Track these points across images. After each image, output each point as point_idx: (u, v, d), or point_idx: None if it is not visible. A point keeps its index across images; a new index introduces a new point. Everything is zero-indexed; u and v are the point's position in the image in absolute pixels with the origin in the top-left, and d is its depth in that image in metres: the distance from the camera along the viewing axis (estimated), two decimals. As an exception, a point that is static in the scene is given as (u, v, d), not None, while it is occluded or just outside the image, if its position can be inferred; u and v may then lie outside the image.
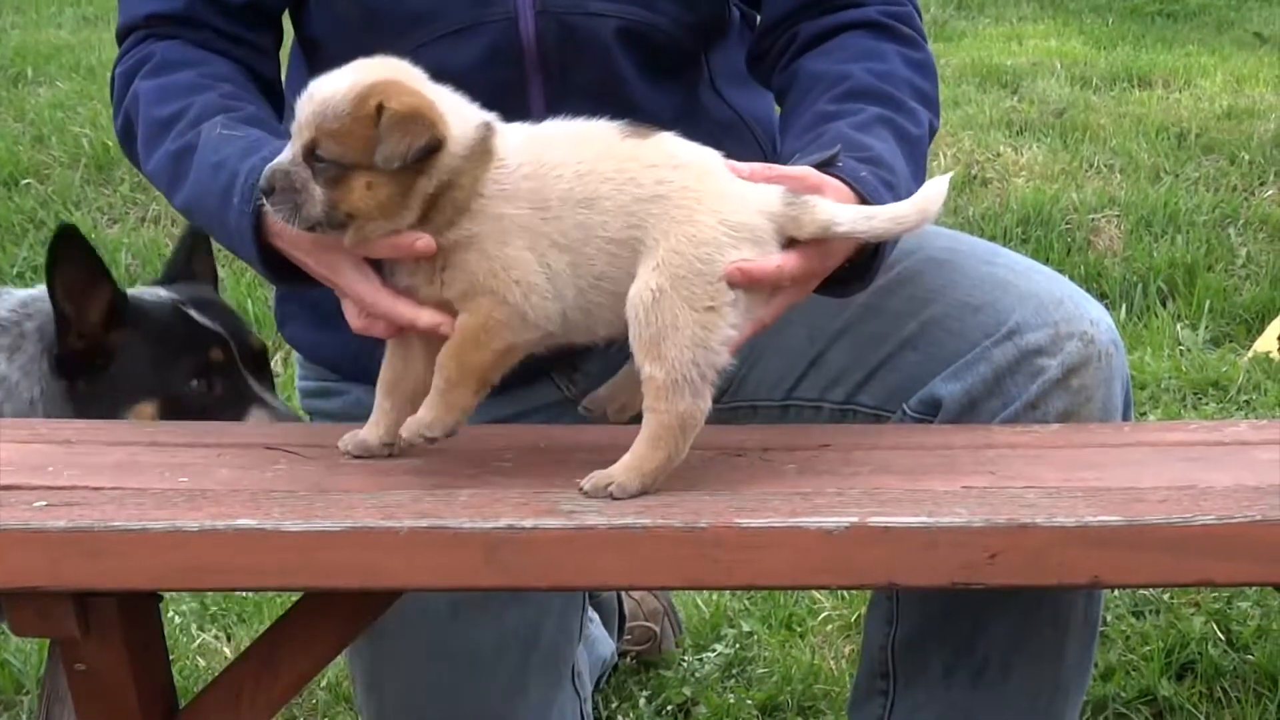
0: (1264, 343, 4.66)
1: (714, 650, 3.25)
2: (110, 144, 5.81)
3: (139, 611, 1.93)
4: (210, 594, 3.30)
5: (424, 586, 1.86)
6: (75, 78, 6.79)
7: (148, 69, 2.24)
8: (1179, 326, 4.87)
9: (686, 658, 3.24)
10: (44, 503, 1.81)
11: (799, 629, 3.28)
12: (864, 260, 2.02)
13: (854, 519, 1.72)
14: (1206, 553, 1.72)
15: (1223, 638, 3.15)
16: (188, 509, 1.79)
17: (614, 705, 3.11)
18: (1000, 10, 8.76)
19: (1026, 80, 6.88)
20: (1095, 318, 2.21)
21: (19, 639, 3.10)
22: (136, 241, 5.41)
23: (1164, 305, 5.04)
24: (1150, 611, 3.27)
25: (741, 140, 2.36)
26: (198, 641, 3.27)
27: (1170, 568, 1.75)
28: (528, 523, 1.74)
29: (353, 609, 1.97)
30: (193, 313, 2.49)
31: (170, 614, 3.31)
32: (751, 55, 2.40)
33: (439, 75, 1.93)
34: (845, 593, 3.31)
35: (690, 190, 1.86)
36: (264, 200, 1.90)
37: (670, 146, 1.91)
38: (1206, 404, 4.32)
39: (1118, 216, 5.51)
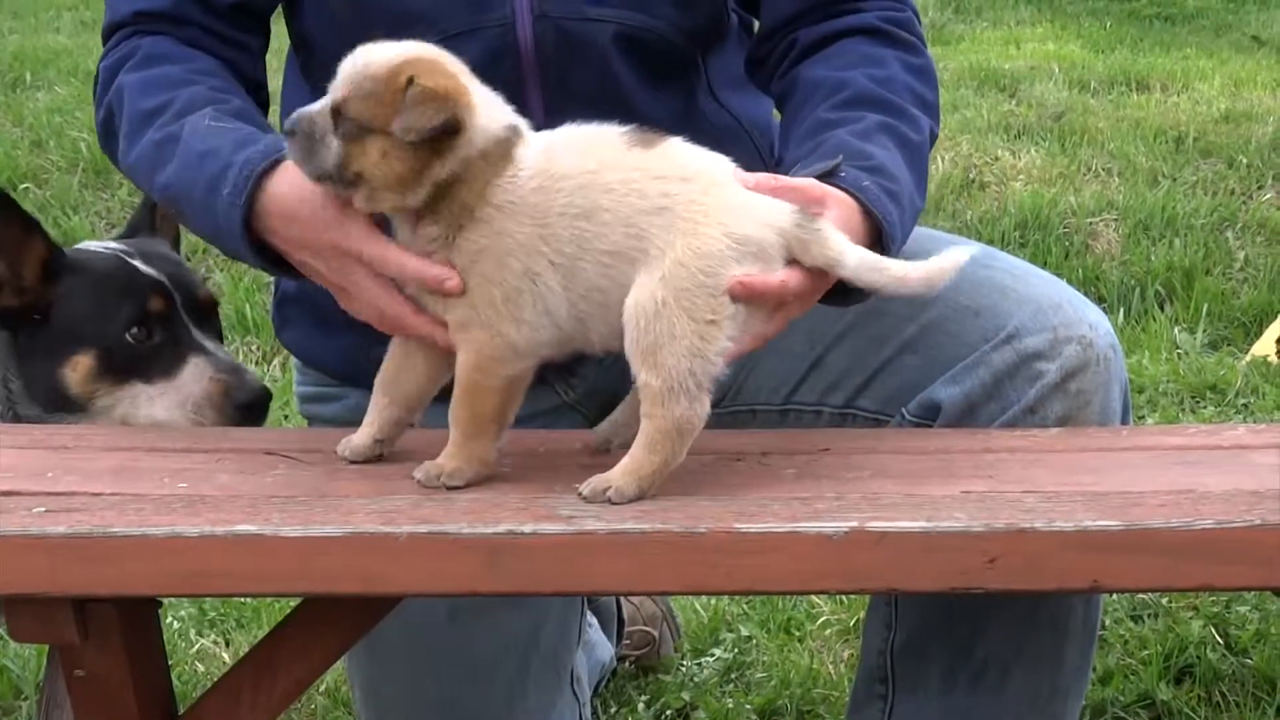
0: (1262, 346, 4.66)
1: (712, 655, 3.25)
2: (109, 149, 5.81)
3: (138, 617, 1.93)
4: (209, 599, 3.29)
5: (423, 592, 1.86)
6: (73, 82, 6.79)
7: (133, 63, 2.24)
8: (1177, 330, 4.88)
9: (685, 662, 3.24)
10: (43, 509, 1.81)
11: (797, 633, 3.28)
12: None
13: (853, 524, 1.73)
14: (1205, 557, 1.73)
15: (1221, 642, 3.15)
16: (187, 514, 1.79)
17: (613, 710, 3.11)
18: (998, 14, 8.77)
19: (1024, 84, 6.88)
20: (1093, 322, 2.21)
21: (18, 644, 3.10)
22: (135, 246, 5.41)
23: (1162, 309, 5.04)
24: (1149, 615, 3.27)
25: (740, 145, 2.36)
26: (196, 647, 3.26)
27: (1169, 572, 1.75)
28: (527, 528, 1.74)
29: (352, 615, 1.97)
30: (138, 263, 2.48)
31: (169, 619, 3.31)
32: (750, 61, 2.40)
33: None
34: (844, 597, 3.31)
35: (696, 203, 1.85)
36: (285, 141, 1.92)
37: (679, 156, 1.90)
38: (1204, 408, 4.33)
39: (1116, 220, 5.51)
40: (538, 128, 1.95)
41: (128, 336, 2.42)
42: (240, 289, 5.06)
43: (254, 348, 4.83)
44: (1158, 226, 5.45)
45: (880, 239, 2.01)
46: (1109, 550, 1.72)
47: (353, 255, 1.96)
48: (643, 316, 1.83)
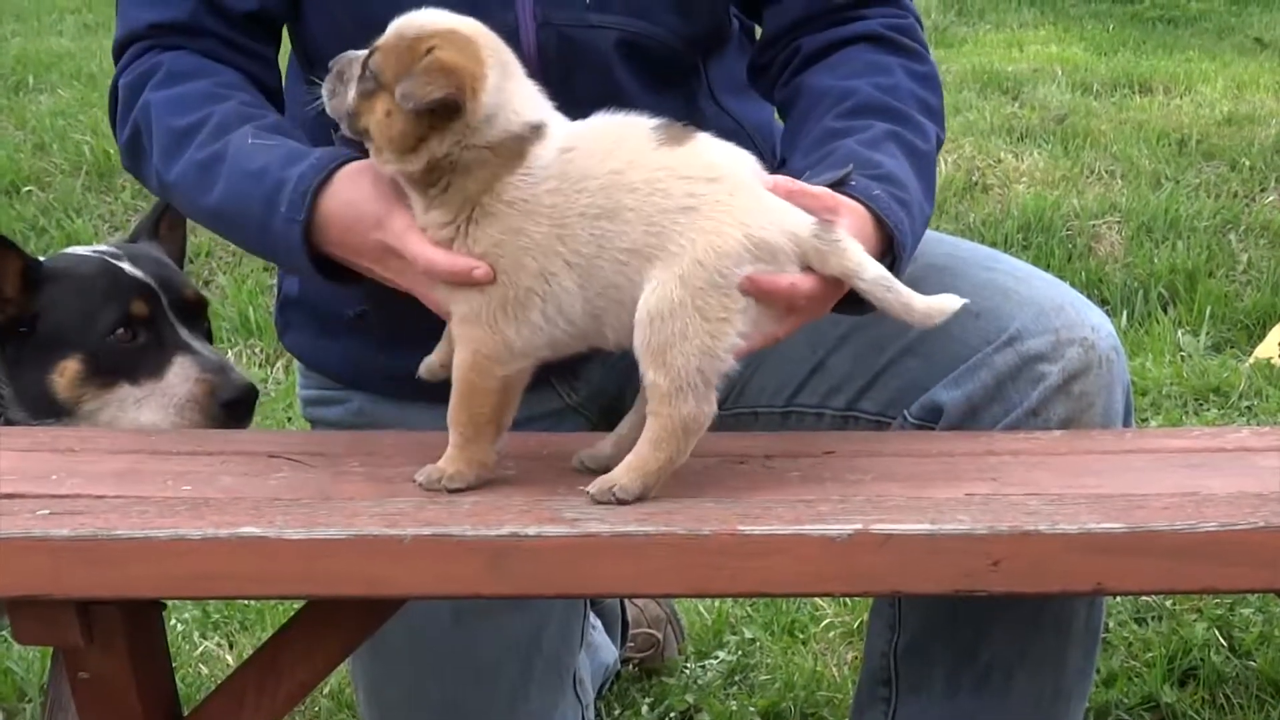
0: (1265, 349, 4.66)
1: (716, 657, 3.25)
2: (111, 152, 5.81)
3: (142, 620, 1.93)
4: (213, 601, 3.30)
5: (427, 595, 1.87)
6: (76, 85, 6.79)
7: (157, 79, 2.23)
8: (1180, 333, 4.87)
9: (689, 665, 3.24)
10: (47, 511, 1.81)
11: (801, 636, 3.28)
12: None
13: (857, 526, 1.73)
14: (1209, 560, 1.73)
15: (1225, 644, 3.15)
16: (191, 517, 1.79)
17: (616, 712, 3.11)
18: (1001, 16, 8.77)
19: (1027, 86, 6.88)
20: (1096, 324, 2.21)
21: (22, 647, 3.10)
22: (138, 248, 5.41)
23: (1165, 311, 5.04)
24: (1152, 618, 3.26)
25: (742, 147, 2.36)
26: (200, 649, 3.26)
27: (1173, 575, 1.75)
28: (531, 530, 1.74)
29: (356, 617, 1.97)
30: (124, 265, 2.48)
31: (172, 621, 3.31)
32: (753, 68, 2.40)
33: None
34: (847, 599, 3.31)
35: (722, 204, 1.85)
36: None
37: (706, 155, 1.89)
38: (1208, 410, 4.32)
39: (1119, 223, 5.51)
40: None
41: (112, 339, 2.42)
42: (243, 292, 5.06)
43: (256, 350, 4.83)
44: (1160, 229, 5.45)
45: (891, 248, 2.02)
46: (1113, 553, 1.72)
47: (395, 253, 1.96)
48: (658, 317, 1.82)
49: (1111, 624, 3.22)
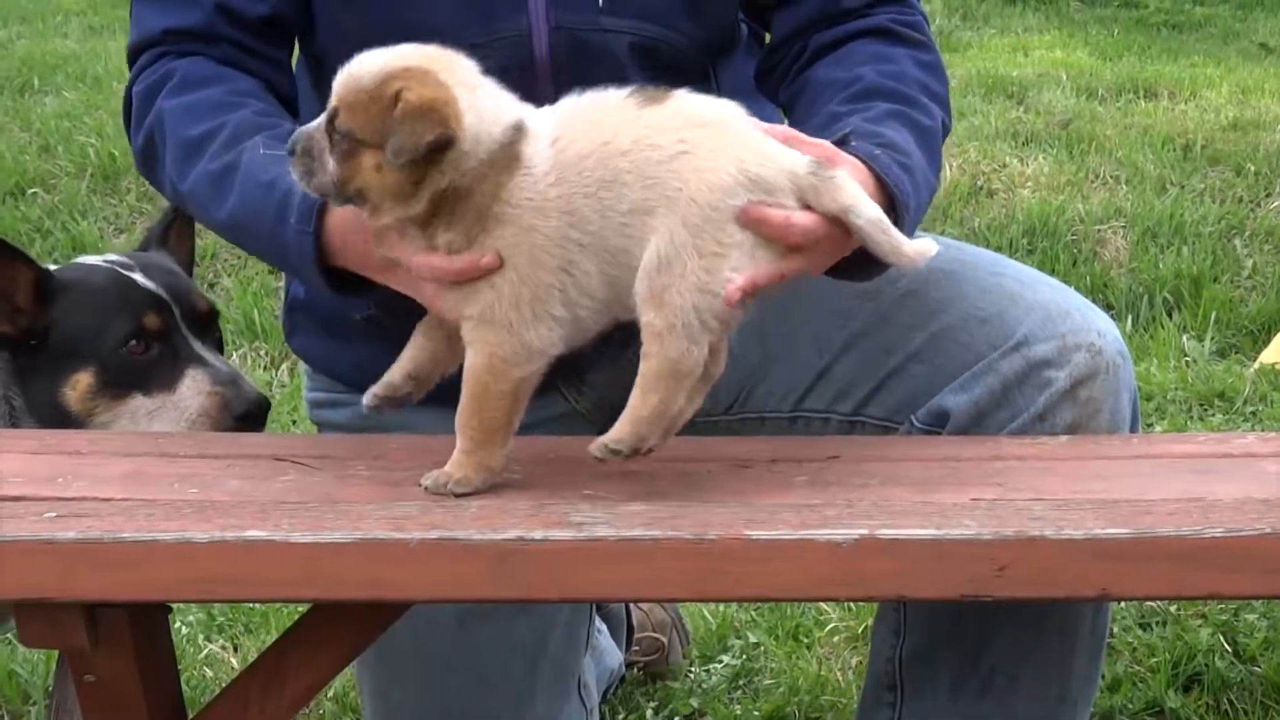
0: (1270, 354, 4.66)
1: (721, 661, 3.25)
2: (116, 154, 5.82)
3: (148, 623, 1.93)
4: (218, 604, 3.30)
5: (433, 598, 1.86)
6: (81, 87, 6.80)
7: (170, 86, 2.22)
8: (1185, 338, 4.87)
9: (693, 669, 3.24)
10: (54, 514, 1.81)
11: (806, 640, 3.28)
12: None
13: (863, 531, 1.73)
14: (1215, 565, 1.73)
15: (1230, 649, 3.15)
16: (197, 520, 1.79)
17: (621, 716, 3.11)
18: (1006, 21, 8.77)
19: (1032, 91, 6.88)
20: (1102, 329, 2.21)
21: (27, 649, 3.10)
22: (143, 251, 5.41)
23: (1170, 317, 5.04)
24: (1157, 623, 3.26)
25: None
26: (205, 652, 3.27)
27: (1178, 580, 1.75)
28: (537, 534, 1.74)
29: (361, 620, 1.97)
30: (136, 276, 2.48)
31: (177, 624, 3.31)
32: (760, 71, 2.40)
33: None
34: (852, 604, 3.31)
35: (714, 145, 1.85)
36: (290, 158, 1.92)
37: (691, 105, 1.89)
38: (1213, 415, 4.32)
39: (1124, 228, 5.51)
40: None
41: (125, 351, 2.42)
42: (249, 294, 5.06)
43: (262, 353, 4.84)
44: (1166, 234, 5.45)
45: (894, 207, 2.00)
46: (1118, 558, 1.72)
47: (397, 264, 1.96)
48: (663, 263, 1.82)
49: (1116, 629, 3.22)
